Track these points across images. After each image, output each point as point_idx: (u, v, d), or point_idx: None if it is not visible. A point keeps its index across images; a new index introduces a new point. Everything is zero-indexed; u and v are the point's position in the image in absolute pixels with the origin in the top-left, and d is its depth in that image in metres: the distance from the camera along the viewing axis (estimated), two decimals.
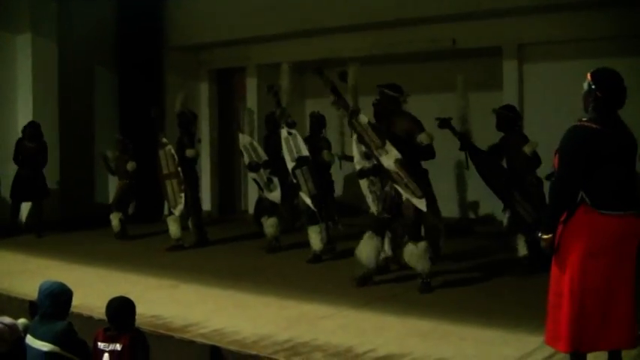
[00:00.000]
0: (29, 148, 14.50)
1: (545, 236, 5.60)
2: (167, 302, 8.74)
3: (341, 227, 11.68)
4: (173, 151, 12.76)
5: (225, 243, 13.28)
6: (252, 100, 17.03)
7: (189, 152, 12.73)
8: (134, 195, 14.56)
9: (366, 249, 9.47)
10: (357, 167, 10.32)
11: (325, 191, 11.54)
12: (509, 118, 10.23)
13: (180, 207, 12.66)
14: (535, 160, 10.02)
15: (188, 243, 12.95)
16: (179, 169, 12.65)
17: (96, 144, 17.20)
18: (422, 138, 9.33)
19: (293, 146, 11.29)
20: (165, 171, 12.85)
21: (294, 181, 11.34)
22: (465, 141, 10.21)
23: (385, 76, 12.19)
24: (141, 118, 14.44)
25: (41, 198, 14.70)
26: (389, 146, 9.27)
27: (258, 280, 10.11)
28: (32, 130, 14.61)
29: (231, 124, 17.49)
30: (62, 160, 16.22)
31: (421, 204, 9.11)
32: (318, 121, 12.14)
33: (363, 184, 10.27)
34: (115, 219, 14.24)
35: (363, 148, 10.00)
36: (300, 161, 11.23)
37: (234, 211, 17.87)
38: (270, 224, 12.24)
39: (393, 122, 9.58)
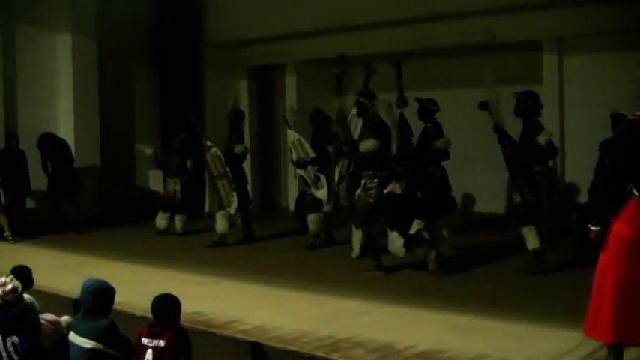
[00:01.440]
0: (53, 147, 14.68)
1: (594, 228, 5.59)
2: (208, 298, 8.77)
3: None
4: (219, 152, 12.89)
5: (266, 239, 13.31)
6: (291, 96, 17.04)
7: (237, 148, 12.83)
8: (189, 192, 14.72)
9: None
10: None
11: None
12: (528, 105, 10.09)
13: (234, 206, 12.77)
14: (549, 150, 9.92)
15: (234, 240, 13.03)
16: (227, 169, 12.79)
17: (136, 141, 17.29)
18: (438, 144, 10.27)
19: (300, 148, 11.36)
20: (214, 172, 12.99)
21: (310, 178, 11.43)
22: (496, 126, 10.15)
23: (423, 70, 12.23)
24: (181, 115, 14.49)
25: (74, 194, 14.84)
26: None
27: (299, 276, 10.15)
28: (48, 139, 14.77)
29: (270, 121, 17.56)
30: (102, 158, 16.36)
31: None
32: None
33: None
34: (179, 221, 14.45)
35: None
36: (312, 161, 11.36)
37: (274, 208, 17.89)
38: (312, 220, 12.27)
39: (427, 129, 10.51)
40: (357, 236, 11.14)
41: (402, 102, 10.13)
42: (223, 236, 12.98)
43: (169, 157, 14.63)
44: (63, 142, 14.95)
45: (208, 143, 13.04)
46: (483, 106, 9.97)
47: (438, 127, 10.57)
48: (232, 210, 12.80)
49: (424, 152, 10.29)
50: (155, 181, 17.40)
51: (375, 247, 10.43)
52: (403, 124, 10.16)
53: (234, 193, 12.73)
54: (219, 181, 12.89)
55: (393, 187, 9.97)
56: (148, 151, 14.79)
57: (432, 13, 13.74)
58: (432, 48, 14.52)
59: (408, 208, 9.89)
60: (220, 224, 12.96)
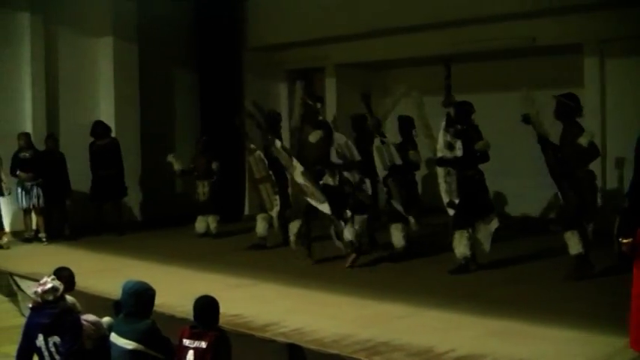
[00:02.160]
0: (101, 146, 14.78)
1: (625, 240, 5.49)
2: (247, 301, 8.79)
3: (417, 227, 11.63)
4: (262, 155, 12.90)
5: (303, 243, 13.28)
6: (331, 100, 17.03)
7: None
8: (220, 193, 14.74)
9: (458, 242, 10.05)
10: (439, 154, 10.30)
11: (411, 192, 11.47)
12: (568, 107, 9.97)
13: (277, 209, 12.81)
14: (591, 151, 9.78)
15: (273, 242, 13.04)
16: (270, 172, 12.81)
17: (177, 144, 17.37)
18: (479, 146, 10.17)
19: (386, 155, 11.29)
20: (257, 175, 13.02)
21: (385, 189, 11.32)
22: (540, 137, 10.07)
23: (463, 73, 12.19)
24: (221, 118, 14.55)
25: (119, 198, 14.94)
26: (295, 162, 11.35)
27: (338, 278, 10.14)
28: (101, 128, 14.91)
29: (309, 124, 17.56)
30: (143, 160, 16.49)
31: (324, 208, 11.10)
32: (408, 123, 11.98)
33: (440, 172, 10.31)
34: (213, 222, 14.49)
35: (448, 138, 10.13)
36: (393, 170, 11.23)
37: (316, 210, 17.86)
38: (357, 221, 12.24)
39: (465, 129, 10.29)
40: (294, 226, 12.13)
41: (449, 102, 10.16)
42: (263, 239, 13.03)
43: (195, 160, 14.69)
44: (113, 143, 15.06)
45: (252, 146, 13.10)
46: (526, 119, 9.92)
47: (476, 129, 10.52)
48: (274, 213, 12.82)
49: (464, 154, 10.25)
50: (194, 184, 17.49)
51: (308, 236, 11.62)
52: (449, 122, 10.19)
53: (277, 197, 12.75)
54: (262, 184, 12.93)
55: (326, 180, 11.23)
56: (177, 166, 14.80)
57: (473, 17, 13.68)
58: (472, 51, 14.46)
59: (339, 199, 11.08)
60: (261, 227, 13.03)
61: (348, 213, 11.21)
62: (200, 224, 14.47)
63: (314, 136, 11.51)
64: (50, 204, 14.37)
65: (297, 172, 11.42)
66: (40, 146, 14.53)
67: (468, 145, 10.22)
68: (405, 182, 11.23)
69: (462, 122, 10.42)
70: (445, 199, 10.17)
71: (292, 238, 12.13)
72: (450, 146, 10.18)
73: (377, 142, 11.40)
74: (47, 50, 15.41)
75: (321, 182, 11.36)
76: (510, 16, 13.48)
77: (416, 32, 14.77)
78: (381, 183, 11.43)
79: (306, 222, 11.78)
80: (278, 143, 12.01)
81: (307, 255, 11.57)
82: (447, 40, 14.40)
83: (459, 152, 10.12)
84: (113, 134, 15.41)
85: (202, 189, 14.48)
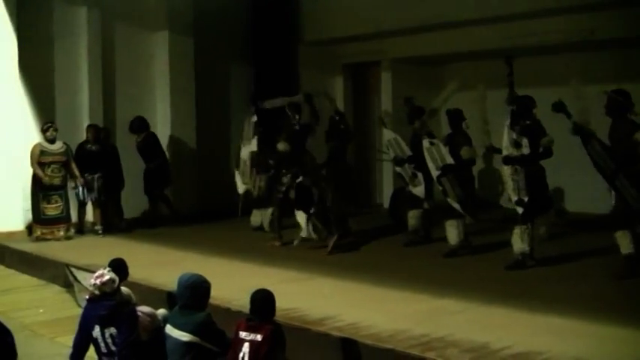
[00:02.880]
0: (139, 141, 14.90)
1: None
2: (302, 295, 8.77)
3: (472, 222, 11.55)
4: None
5: (360, 236, 13.21)
6: (386, 94, 17.00)
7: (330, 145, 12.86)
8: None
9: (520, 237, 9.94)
10: (505, 153, 10.21)
11: (467, 188, 11.38)
12: (619, 104, 9.79)
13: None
14: None
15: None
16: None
17: (232, 138, 17.44)
18: (543, 142, 10.16)
19: (437, 155, 11.24)
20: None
21: (440, 188, 11.26)
22: (577, 125, 9.95)
23: (522, 68, 12.01)
24: (276, 112, 14.54)
25: (163, 188, 15.08)
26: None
27: (393, 273, 10.06)
28: (137, 124, 15.03)
29: (365, 118, 17.56)
30: (199, 153, 16.61)
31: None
32: (457, 117, 11.90)
33: (507, 170, 10.19)
34: (257, 215, 14.48)
35: (514, 136, 10.03)
36: (445, 170, 11.17)
37: (369, 205, 17.86)
38: (412, 216, 12.22)
39: (529, 125, 10.26)
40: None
41: (513, 99, 10.07)
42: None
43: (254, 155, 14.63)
44: (152, 135, 15.21)
45: None
46: (558, 107, 9.82)
47: (539, 124, 10.39)
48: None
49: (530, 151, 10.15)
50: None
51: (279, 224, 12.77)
52: (514, 120, 10.12)
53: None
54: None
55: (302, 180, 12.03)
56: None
57: (530, 9, 13.54)
58: (531, 45, 14.30)
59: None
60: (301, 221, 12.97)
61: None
62: (255, 218, 14.46)
63: None
64: (106, 197, 14.50)
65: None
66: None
67: (532, 141, 10.12)
68: (461, 179, 11.13)
69: (524, 117, 10.32)
70: (514, 197, 10.04)
71: (266, 222, 13.70)
72: (517, 144, 10.07)
73: (426, 143, 11.35)
74: (104, 44, 15.56)
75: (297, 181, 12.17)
76: (568, 9, 13.30)
77: (472, 26, 14.66)
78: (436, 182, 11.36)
79: (278, 208, 12.74)
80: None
81: (278, 238, 12.65)
82: (503, 34, 14.26)
83: (525, 150, 10.01)
84: (169, 127, 15.55)
85: (259, 183, 14.47)
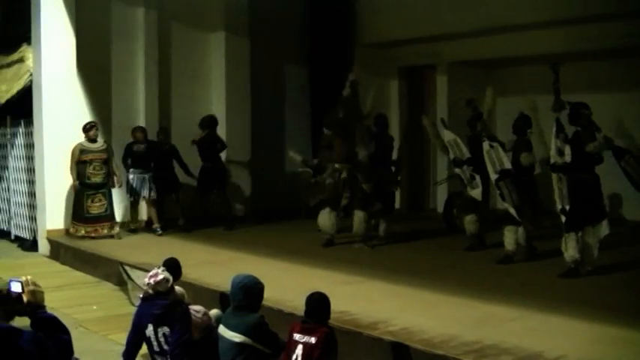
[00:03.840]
0: (200, 138, 14.82)
1: None
2: (354, 298, 8.71)
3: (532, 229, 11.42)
4: None
5: (413, 240, 13.19)
6: (442, 97, 16.93)
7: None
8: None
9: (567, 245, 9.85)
10: (552, 161, 10.11)
11: (526, 194, 11.26)
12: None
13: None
14: None
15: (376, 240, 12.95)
16: None
17: (286, 138, 17.48)
18: (589, 148, 9.89)
19: (495, 159, 11.15)
20: None
21: (498, 191, 11.18)
22: (607, 139, 9.89)
23: (577, 73, 11.93)
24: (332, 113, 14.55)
25: (222, 188, 15.04)
26: None
27: (445, 278, 10.00)
28: (209, 119, 15.00)
29: (419, 121, 17.48)
30: (253, 154, 16.69)
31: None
32: (524, 123, 11.75)
33: (554, 177, 10.10)
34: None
35: (559, 144, 9.93)
36: (502, 174, 11.08)
37: (422, 209, 17.79)
38: (469, 220, 12.14)
39: (577, 133, 10.14)
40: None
41: (559, 105, 9.98)
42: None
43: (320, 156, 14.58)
44: (215, 135, 15.16)
45: None
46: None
47: (590, 131, 10.26)
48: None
49: (576, 157, 10.04)
50: (305, 178, 17.57)
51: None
52: (559, 128, 10.02)
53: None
54: None
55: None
56: (297, 157, 14.75)
57: (588, 14, 13.37)
58: (587, 50, 14.13)
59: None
60: (357, 222, 12.87)
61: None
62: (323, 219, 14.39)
63: None
64: (162, 195, 14.61)
65: None
66: (152, 138, 14.79)
67: (580, 148, 10.00)
68: (520, 184, 11.02)
69: (575, 124, 10.21)
70: (558, 206, 9.98)
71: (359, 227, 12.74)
72: (560, 152, 9.99)
73: (486, 146, 11.28)
74: (160, 44, 15.71)
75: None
76: (628, 14, 13.10)
77: (530, 30, 14.50)
78: (494, 185, 11.27)
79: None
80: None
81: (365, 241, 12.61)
82: (561, 38, 14.10)
83: (567, 158, 9.91)
84: (224, 127, 15.62)
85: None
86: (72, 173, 13.70)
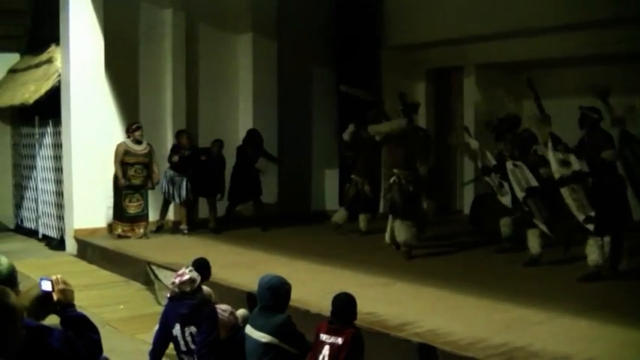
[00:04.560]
0: (249, 156, 14.86)
1: None
2: (382, 300, 8.70)
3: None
4: None
5: (440, 242, 13.11)
6: (468, 100, 16.86)
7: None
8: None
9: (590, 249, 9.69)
10: (557, 176, 10.01)
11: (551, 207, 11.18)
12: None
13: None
14: None
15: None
16: None
17: (313, 141, 17.47)
18: (605, 155, 9.71)
19: (521, 177, 11.09)
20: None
21: (526, 209, 11.10)
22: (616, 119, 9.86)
23: (610, 76, 11.84)
24: (359, 116, 14.53)
25: (257, 197, 15.01)
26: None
27: (472, 280, 9.94)
28: (255, 136, 14.99)
29: (447, 124, 17.47)
30: (280, 156, 16.58)
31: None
32: (530, 138, 11.67)
33: (564, 192, 9.95)
34: (363, 220, 14.37)
35: (561, 156, 9.85)
36: (530, 192, 11.02)
37: (449, 211, 17.73)
38: (504, 224, 12.10)
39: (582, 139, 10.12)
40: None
41: (545, 117, 10.05)
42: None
43: (359, 157, 14.47)
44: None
45: None
46: (603, 94, 9.72)
47: (605, 136, 10.14)
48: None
49: (593, 162, 9.95)
50: (331, 180, 17.57)
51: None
52: (556, 140, 10.04)
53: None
54: None
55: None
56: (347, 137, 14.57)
57: (617, 17, 13.26)
58: (613, 53, 14.02)
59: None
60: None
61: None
62: (340, 215, 14.45)
63: None
64: (196, 198, 14.82)
65: None
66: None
67: (595, 152, 9.90)
68: (546, 198, 10.93)
69: (584, 127, 10.14)
70: (580, 217, 9.85)
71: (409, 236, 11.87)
72: (565, 163, 9.88)
73: (509, 165, 11.25)
74: (188, 46, 15.76)
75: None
76: None
77: (558, 32, 14.40)
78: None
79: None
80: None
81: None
82: (588, 41, 14.01)
83: (576, 165, 9.80)
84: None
85: (361, 185, 14.27)
86: (117, 172, 13.76)
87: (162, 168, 14.29)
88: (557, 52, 14.57)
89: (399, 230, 11.63)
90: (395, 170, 11.92)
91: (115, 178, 13.82)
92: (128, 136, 13.88)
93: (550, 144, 9.98)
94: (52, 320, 4.59)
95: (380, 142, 12.54)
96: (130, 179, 13.80)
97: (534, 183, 10.99)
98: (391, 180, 11.92)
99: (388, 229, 12.11)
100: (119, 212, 13.93)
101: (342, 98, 17.16)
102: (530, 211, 10.99)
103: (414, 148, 12.22)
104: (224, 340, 6.98)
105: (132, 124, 13.96)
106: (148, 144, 14.08)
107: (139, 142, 13.86)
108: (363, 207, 14.36)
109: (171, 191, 14.25)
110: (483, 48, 16.08)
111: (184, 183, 14.23)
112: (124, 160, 13.73)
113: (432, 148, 13.22)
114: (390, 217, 12.06)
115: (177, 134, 14.56)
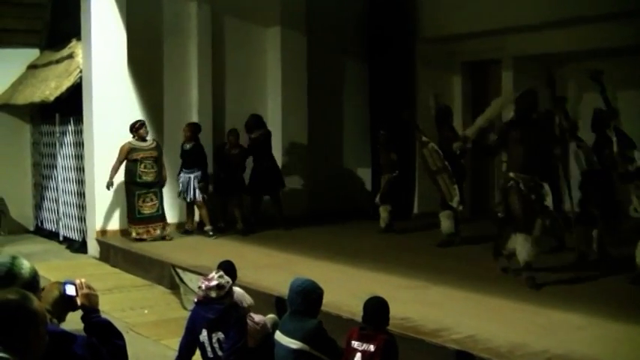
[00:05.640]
0: (253, 139, 14.57)
1: None
2: (416, 303, 8.51)
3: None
4: (436, 147, 12.61)
5: (477, 243, 12.78)
6: (507, 93, 16.55)
7: (455, 146, 12.40)
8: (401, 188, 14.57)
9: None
10: (620, 170, 9.74)
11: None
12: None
13: (457, 199, 12.45)
14: None
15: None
16: (446, 162, 12.46)
17: (344, 136, 17.25)
18: None
19: (583, 159, 10.84)
20: (433, 167, 12.74)
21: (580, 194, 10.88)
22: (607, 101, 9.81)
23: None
24: (391, 111, 14.30)
25: (277, 190, 14.82)
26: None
27: (510, 283, 9.64)
28: (254, 121, 14.69)
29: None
30: (310, 152, 16.48)
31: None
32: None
33: (630, 188, 9.69)
34: (383, 212, 14.22)
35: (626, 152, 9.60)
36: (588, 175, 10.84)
37: (486, 210, 17.40)
38: (537, 227, 11.81)
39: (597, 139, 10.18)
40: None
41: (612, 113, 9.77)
42: (451, 235, 12.74)
43: (379, 155, 14.52)
44: (268, 134, 14.86)
45: (424, 139, 12.81)
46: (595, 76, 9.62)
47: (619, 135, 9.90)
48: (455, 203, 12.47)
49: None
50: (363, 178, 17.34)
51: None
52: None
53: (456, 186, 12.42)
54: (439, 175, 12.62)
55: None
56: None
57: None
58: None
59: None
60: (446, 225, 12.72)
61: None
62: (382, 214, 14.29)
63: None
64: (226, 197, 14.60)
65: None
66: (208, 137, 14.78)
67: (605, 153, 9.68)
68: (602, 186, 10.64)
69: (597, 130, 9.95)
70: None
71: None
72: (629, 159, 9.66)
73: (573, 146, 10.91)
74: (214, 40, 15.56)
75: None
76: None
77: (598, 22, 14.03)
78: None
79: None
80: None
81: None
82: (630, 31, 13.62)
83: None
84: (279, 125, 15.51)
85: (384, 182, 14.27)
86: (112, 170, 13.57)
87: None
88: (597, 42, 14.17)
89: (521, 247, 9.61)
90: (511, 174, 10.01)
91: (126, 178, 13.71)
92: (133, 136, 13.73)
93: (614, 138, 9.75)
94: (76, 325, 4.48)
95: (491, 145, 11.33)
96: (141, 176, 13.64)
97: (596, 167, 10.72)
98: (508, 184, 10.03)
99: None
100: (133, 214, 13.76)
101: (374, 94, 16.93)
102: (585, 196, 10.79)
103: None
104: (254, 348, 6.87)
105: (135, 122, 13.80)
106: (155, 140, 14.02)
107: (143, 140, 13.76)
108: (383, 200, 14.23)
109: (183, 191, 14.14)
110: (521, 39, 15.71)
111: (192, 182, 14.01)
112: (130, 157, 13.60)
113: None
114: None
115: (229, 132, 14.48)
